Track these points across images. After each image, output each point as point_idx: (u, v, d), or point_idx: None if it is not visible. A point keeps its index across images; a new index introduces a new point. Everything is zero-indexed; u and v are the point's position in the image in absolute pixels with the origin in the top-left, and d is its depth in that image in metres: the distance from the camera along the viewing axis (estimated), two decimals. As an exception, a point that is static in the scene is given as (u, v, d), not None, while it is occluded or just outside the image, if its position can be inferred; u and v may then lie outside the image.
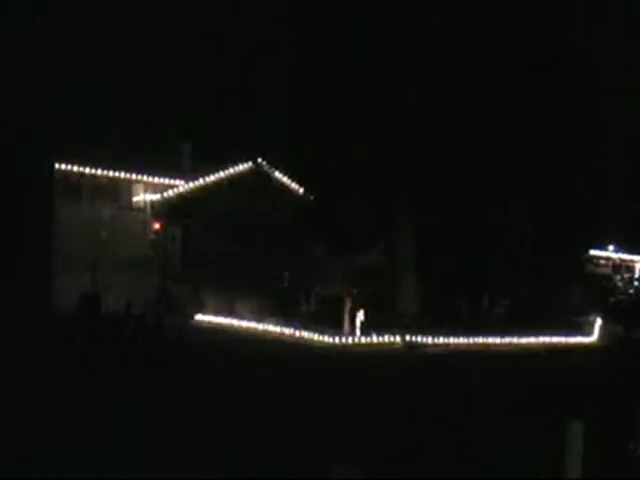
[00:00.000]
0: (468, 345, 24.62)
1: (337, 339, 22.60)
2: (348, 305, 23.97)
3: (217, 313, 26.83)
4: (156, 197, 29.40)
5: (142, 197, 29.51)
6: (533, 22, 32.37)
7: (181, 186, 29.33)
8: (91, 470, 8.68)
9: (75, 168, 27.54)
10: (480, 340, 25.23)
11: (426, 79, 28.93)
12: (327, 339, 22.67)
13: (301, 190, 31.52)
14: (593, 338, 29.38)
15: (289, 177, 31.30)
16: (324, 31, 30.92)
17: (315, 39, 30.78)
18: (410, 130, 29.08)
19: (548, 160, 35.00)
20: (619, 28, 35.68)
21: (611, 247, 45.24)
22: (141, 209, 29.54)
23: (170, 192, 29.26)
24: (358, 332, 23.49)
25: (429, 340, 23.98)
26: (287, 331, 23.99)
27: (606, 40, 35.18)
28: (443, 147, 29.56)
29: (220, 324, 25.96)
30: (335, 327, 23.61)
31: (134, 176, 28.95)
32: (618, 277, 43.34)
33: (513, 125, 32.37)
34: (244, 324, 25.57)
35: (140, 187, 29.50)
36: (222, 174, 29.81)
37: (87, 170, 27.80)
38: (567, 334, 28.10)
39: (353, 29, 30.23)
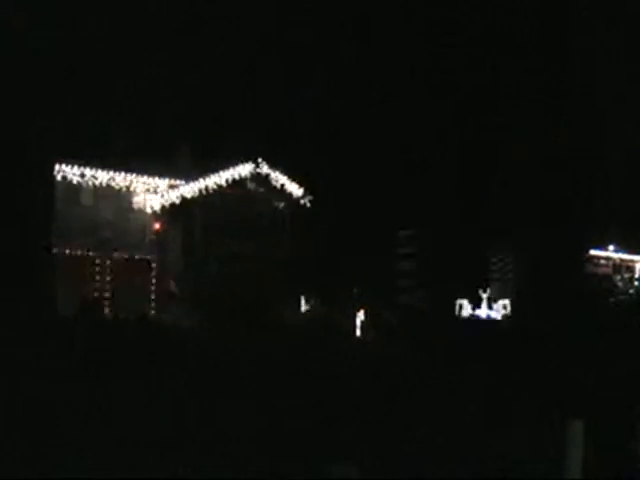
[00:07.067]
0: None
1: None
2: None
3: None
4: (156, 198, 29.42)
5: (142, 198, 29.53)
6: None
7: (181, 187, 29.34)
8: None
9: (76, 169, 27.60)
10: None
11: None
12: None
13: (300, 191, 31.52)
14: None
15: (289, 177, 31.27)
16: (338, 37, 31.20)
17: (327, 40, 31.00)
18: None
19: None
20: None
21: (611, 247, 45.28)
22: (141, 210, 29.57)
23: (170, 193, 29.27)
24: (358, 332, 23.51)
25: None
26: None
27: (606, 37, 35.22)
28: None
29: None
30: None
31: (134, 177, 28.99)
32: (618, 277, 43.36)
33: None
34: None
35: (140, 188, 29.52)
36: (222, 174, 29.79)
37: (88, 171, 27.86)
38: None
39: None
